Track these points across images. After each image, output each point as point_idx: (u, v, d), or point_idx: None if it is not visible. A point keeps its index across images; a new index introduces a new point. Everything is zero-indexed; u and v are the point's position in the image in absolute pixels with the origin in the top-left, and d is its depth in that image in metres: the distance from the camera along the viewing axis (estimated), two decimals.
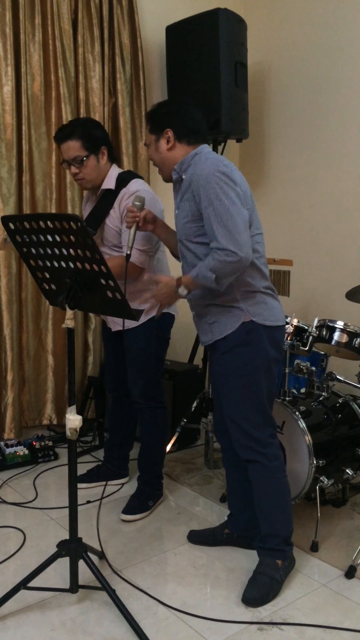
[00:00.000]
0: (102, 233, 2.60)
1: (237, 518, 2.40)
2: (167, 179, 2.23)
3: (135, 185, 2.52)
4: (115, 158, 2.65)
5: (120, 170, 2.61)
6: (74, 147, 2.48)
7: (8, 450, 3.18)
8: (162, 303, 2.18)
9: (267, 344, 2.10)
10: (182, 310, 2.75)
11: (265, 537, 2.17)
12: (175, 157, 2.14)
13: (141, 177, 2.62)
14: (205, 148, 2.16)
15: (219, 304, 2.10)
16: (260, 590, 2.07)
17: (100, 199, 2.59)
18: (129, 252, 2.25)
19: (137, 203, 2.26)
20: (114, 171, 2.59)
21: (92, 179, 2.55)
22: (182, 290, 2.08)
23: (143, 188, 2.52)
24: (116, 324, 2.70)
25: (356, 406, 2.71)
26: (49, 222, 1.78)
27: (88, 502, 2.79)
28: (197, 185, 2.00)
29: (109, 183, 2.56)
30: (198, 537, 2.45)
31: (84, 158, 2.48)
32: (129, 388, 2.71)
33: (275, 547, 2.15)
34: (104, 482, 2.95)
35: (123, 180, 2.55)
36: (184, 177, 2.11)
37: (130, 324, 2.58)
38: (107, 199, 2.56)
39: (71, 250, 1.80)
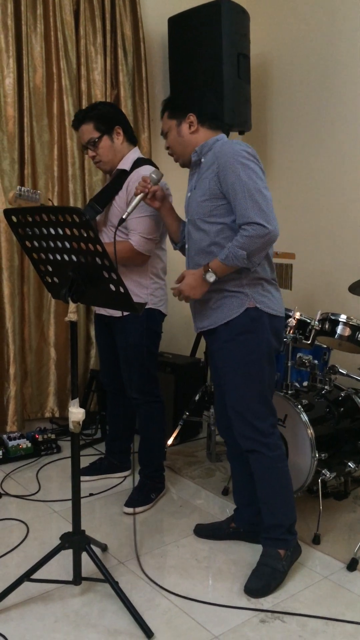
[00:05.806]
0: (107, 212, 2.59)
1: (243, 512, 2.40)
2: (185, 164, 2.25)
3: (145, 170, 2.49)
4: (135, 140, 2.64)
5: (141, 156, 2.60)
6: (87, 130, 2.51)
7: (11, 443, 3.19)
8: (191, 296, 2.10)
9: (270, 332, 2.11)
10: (184, 303, 2.74)
11: (268, 528, 2.18)
12: (197, 141, 2.18)
13: (157, 167, 2.57)
14: (225, 137, 2.20)
15: (225, 288, 2.10)
16: (262, 580, 2.08)
17: (114, 178, 2.59)
18: (124, 217, 2.23)
19: (153, 176, 2.25)
20: (134, 154, 2.59)
21: (109, 159, 2.55)
22: (210, 276, 2.04)
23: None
24: (101, 308, 2.67)
25: (358, 399, 2.71)
26: (51, 215, 1.77)
27: (91, 494, 2.81)
28: (224, 162, 2.01)
29: (125, 164, 2.55)
30: (204, 531, 2.45)
31: (97, 139, 2.50)
32: (125, 385, 2.69)
33: (278, 537, 2.16)
34: (106, 475, 2.97)
35: (138, 164, 2.54)
36: (202, 160, 2.14)
37: (117, 312, 2.55)
38: (120, 179, 2.55)
39: (74, 243, 1.80)
